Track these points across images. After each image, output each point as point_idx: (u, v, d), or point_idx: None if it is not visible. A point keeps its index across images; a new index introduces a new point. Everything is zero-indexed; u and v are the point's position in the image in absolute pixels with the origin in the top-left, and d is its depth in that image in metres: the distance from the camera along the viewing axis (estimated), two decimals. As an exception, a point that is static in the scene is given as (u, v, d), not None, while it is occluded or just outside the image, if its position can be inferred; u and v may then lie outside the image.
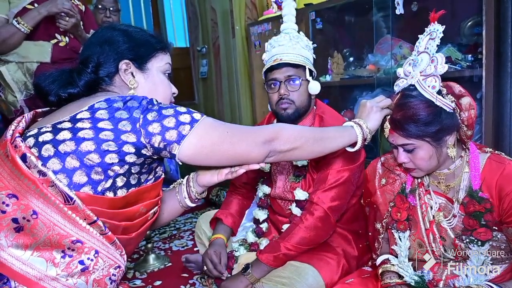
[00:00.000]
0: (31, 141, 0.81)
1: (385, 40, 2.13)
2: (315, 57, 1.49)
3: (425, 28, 1.10)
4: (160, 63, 1.01)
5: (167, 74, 1.04)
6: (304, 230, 1.32)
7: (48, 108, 0.96)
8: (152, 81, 0.99)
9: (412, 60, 1.10)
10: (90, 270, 0.79)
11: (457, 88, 1.08)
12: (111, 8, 2.63)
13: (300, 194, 1.44)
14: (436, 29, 1.06)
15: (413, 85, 1.08)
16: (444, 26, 1.05)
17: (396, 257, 1.20)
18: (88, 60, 0.94)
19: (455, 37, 1.90)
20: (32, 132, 0.83)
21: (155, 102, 0.87)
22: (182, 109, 0.87)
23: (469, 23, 1.79)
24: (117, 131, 0.80)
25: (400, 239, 1.18)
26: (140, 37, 1.00)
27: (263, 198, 1.60)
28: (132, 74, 0.97)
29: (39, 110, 0.95)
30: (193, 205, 1.12)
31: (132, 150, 0.82)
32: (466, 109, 1.05)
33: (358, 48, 2.36)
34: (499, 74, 1.56)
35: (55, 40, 1.97)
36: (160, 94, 1.00)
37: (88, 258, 0.78)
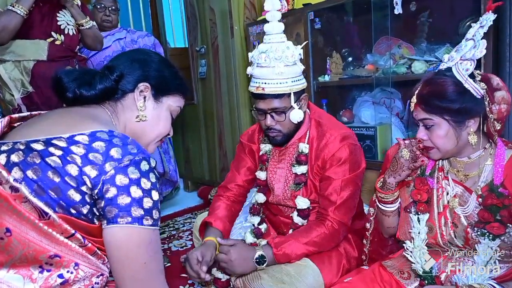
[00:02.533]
0: (2, 158, 0.76)
1: (383, 40, 2.13)
2: (303, 62, 1.38)
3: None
4: (174, 103, 1.04)
5: (172, 116, 1.05)
6: (321, 236, 1.33)
7: (28, 113, 0.93)
8: (159, 113, 1.00)
9: (459, 45, 1.11)
10: (70, 283, 0.76)
11: (496, 80, 1.08)
12: (110, 8, 2.64)
13: (302, 203, 1.43)
14: (487, 18, 1.06)
15: (450, 68, 1.10)
16: (496, 15, 1.06)
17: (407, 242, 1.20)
18: (115, 68, 0.95)
19: (454, 36, 1.90)
20: (5, 147, 0.78)
21: (142, 167, 0.80)
22: (148, 203, 0.79)
23: (468, 23, 1.79)
24: (81, 172, 0.76)
25: (418, 221, 1.18)
26: (171, 73, 1.03)
27: (255, 205, 1.57)
28: (144, 98, 0.98)
29: (15, 115, 0.91)
30: None
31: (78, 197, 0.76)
32: (498, 102, 1.05)
33: (357, 48, 2.36)
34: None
35: (51, 39, 1.98)
36: (159, 129, 1.01)
37: (68, 271, 0.76)
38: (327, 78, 2.33)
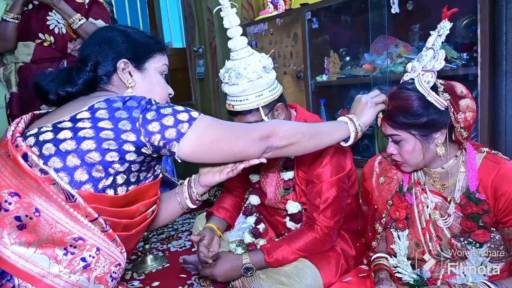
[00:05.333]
0: (31, 140, 0.82)
1: (381, 39, 2.13)
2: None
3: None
4: (158, 63, 1.03)
5: (164, 75, 1.05)
6: (312, 241, 1.34)
7: (45, 111, 0.97)
8: (149, 80, 1.01)
9: (420, 55, 1.12)
10: (91, 267, 0.80)
11: (459, 88, 1.07)
12: None
13: (292, 208, 1.44)
14: (444, 26, 1.07)
15: (413, 79, 1.09)
16: (452, 24, 1.06)
17: (395, 256, 1.20)
18: (87, 59, 0.96)
19: (451, 35, 1.89)
20: (32, 132, 0.83)
21: (153, 102, 0.89)
22: (180, 108, 0.89)
23: (464, 22, 1.79)
24: (117, 130, 0.82)
25: (399, 238, 1.18)
26: (139, 37, 1.02)
27: (248, 206, 1.60)
28: (129, 73, 0.99)
29: (37, 112, 0.96)
30: (194, 206, 1.14)
31: (132, 148, 0.83)
32: (463, 110, 1.04)
33: (354, 47, 2.37)
34: (494, 72, 1.57)
35: (39, 40, 1.94)
36: (157, 93, 1.02)
37: (90, 255, 0.80)
38: (325, 77, 2.33)
